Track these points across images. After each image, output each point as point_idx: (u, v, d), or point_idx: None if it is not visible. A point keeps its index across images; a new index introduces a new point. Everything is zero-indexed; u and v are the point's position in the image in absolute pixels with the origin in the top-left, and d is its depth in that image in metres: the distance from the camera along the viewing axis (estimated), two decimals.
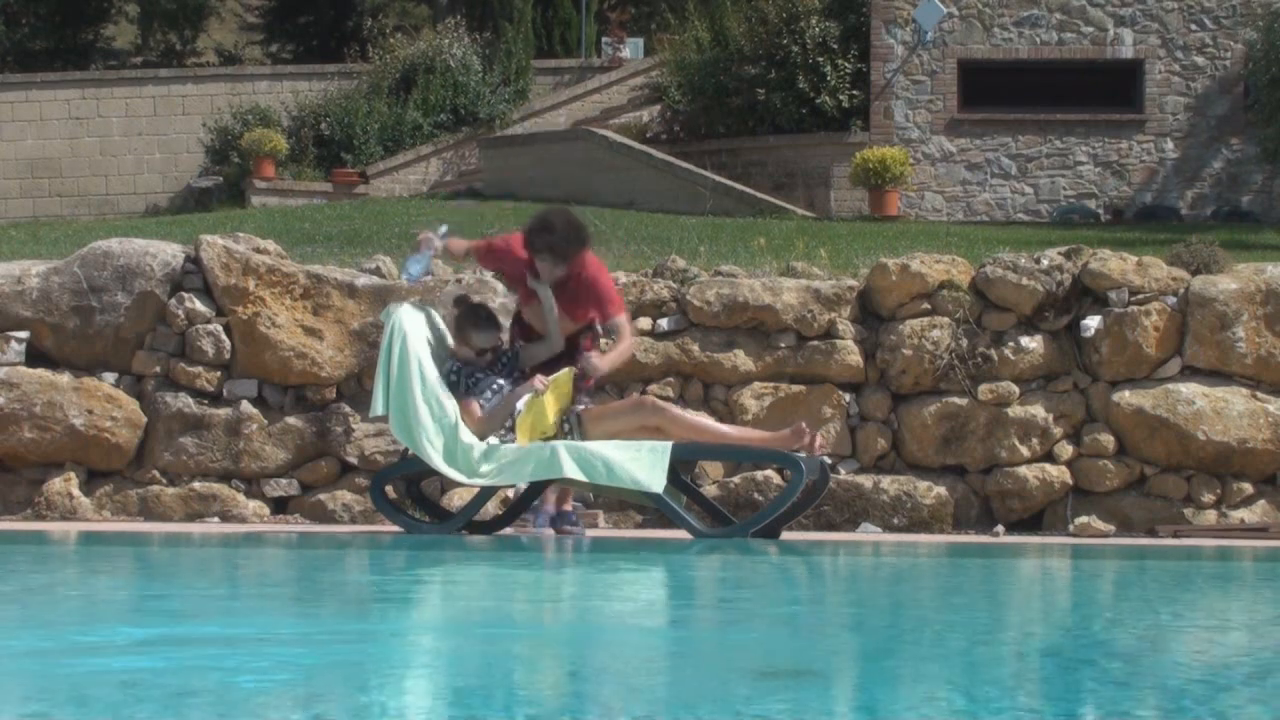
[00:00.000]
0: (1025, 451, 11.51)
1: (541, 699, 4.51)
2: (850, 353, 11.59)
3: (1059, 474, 11.52)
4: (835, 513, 11.45)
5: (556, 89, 27.56)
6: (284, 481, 11.58)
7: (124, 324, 11.52)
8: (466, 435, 9.96)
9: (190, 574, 8.56)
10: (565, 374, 10.11)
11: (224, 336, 11.53)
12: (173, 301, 11.55)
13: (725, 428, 10.57)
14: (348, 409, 11.52)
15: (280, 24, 34.82)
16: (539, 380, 10.03)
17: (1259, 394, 11.52)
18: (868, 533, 11.32)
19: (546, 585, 8.10)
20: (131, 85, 26.92)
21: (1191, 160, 22.38)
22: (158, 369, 11.54)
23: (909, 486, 11.51)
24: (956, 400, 11.54)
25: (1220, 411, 11.43)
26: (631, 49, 28.46)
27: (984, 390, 11.52)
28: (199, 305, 11.55)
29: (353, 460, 11.53)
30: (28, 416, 11.41)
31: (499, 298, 11.25)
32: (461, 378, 10.10)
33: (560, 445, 9.88)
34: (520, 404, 10.01)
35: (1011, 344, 11.55)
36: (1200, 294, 11.53)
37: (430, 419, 9.97)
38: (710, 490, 11.24)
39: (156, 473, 11.54)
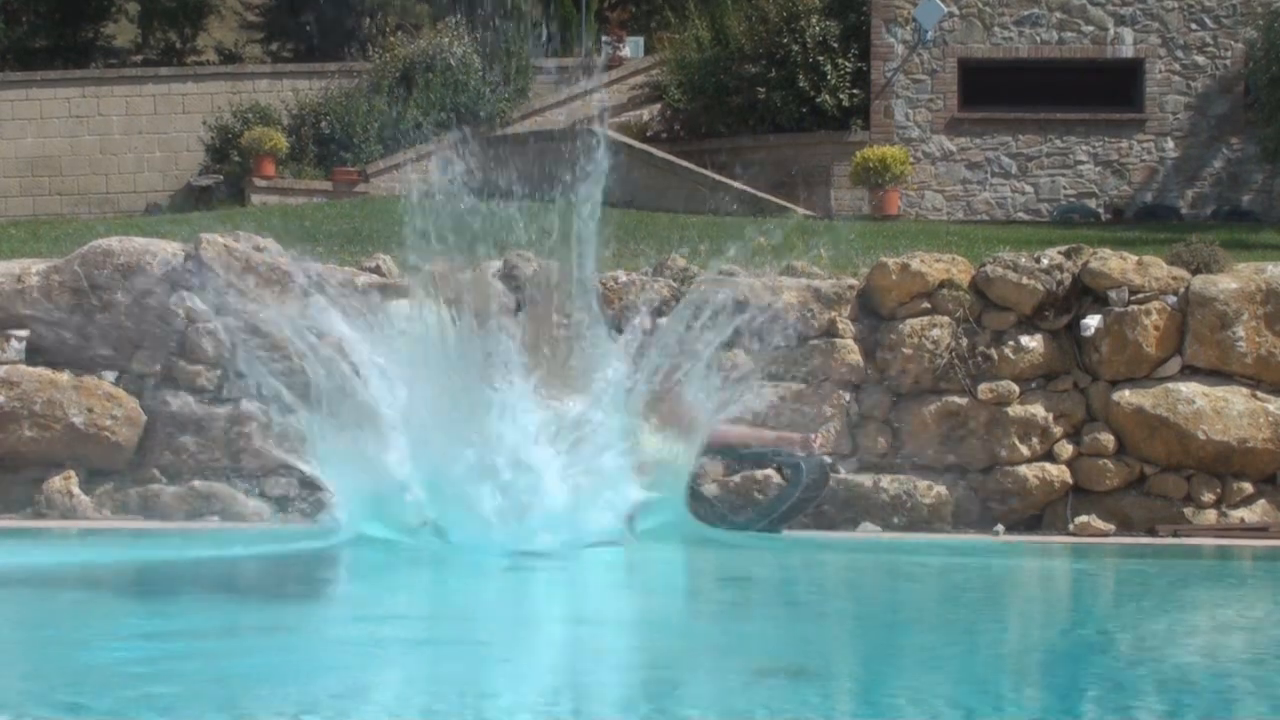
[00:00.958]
0: (1025, 451, 11.50)
1: None
2: (850, 352, 11.59)
3: (1059, 473, 11.52)
4: (835, 512, 11.45)
5: (557, 88, 27.54)
6: (284, 481, 11.57)
7: (124, 322, 11.51)
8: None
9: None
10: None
11: (224, 335, 11.52)
12: (173, 300, 11.55)
13: (734, 427, 10.64)
14: None
15: (280, 22, 34.80)
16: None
17: (1259, 393, 11.51)
18: (867, 532, 11.32)
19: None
20: (132, 84, 26.89)
21: (1192, 159, 22.37)
22: (158, 367, 11.53)
23: (909, 486, 11.50)
24: (956, 399, 11.54)
25: (1220, 411, 11.42)
26: (632, 48, 28.42)
27: (984, 389, 11.51)
28: (199, 304, 11.54)
29: None
30: (28, 415, 11.41)
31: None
32: None
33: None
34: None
35: (1011, 343, 11.55)
36: (1200, 293, 11.53)
37: None
38: (710, 490, 11.25)
39: (156, 471, 11.54)
